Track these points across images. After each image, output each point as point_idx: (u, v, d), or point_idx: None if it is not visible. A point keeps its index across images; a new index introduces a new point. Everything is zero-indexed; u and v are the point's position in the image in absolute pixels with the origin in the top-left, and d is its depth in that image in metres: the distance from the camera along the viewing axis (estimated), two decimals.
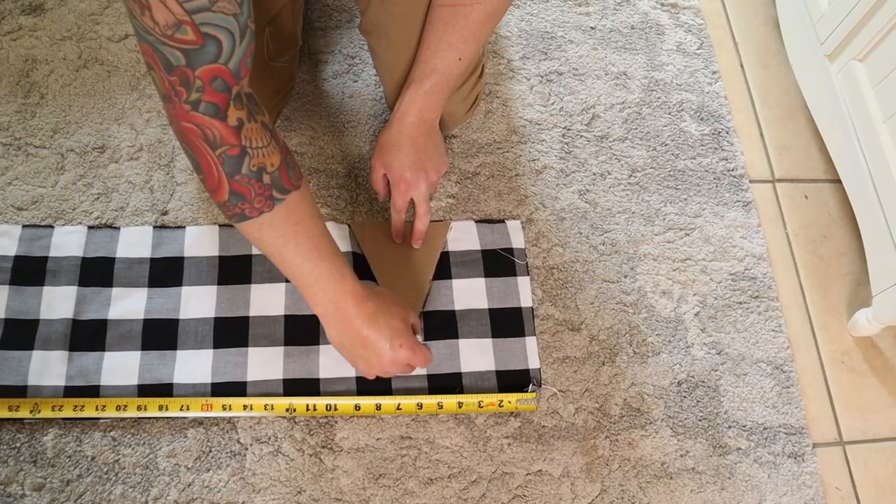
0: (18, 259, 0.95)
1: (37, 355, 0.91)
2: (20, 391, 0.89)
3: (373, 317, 0.79)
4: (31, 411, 0.88)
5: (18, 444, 0.87)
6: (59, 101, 1.04)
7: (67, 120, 1.03)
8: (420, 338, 0.92)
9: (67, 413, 0.88)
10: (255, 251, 0.97)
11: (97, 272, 0.95)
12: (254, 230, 0.74)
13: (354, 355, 0.82)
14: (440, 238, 0.98)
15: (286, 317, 0.94)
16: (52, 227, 0.97)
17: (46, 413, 0.88)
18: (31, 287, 0.94)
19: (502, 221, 1.00)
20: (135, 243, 0.96)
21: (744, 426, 0.93)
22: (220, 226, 0.98)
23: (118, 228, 0.97)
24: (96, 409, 0.88)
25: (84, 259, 0.95)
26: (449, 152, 1.04)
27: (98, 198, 0.99)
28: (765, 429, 0.93)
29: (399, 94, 0.91)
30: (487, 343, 0.93)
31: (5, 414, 0.88)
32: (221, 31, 0.61)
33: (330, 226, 0.97)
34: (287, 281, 0.95)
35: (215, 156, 0.67)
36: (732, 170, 1.06)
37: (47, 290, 0.94)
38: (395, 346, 0.80)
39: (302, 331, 0.93)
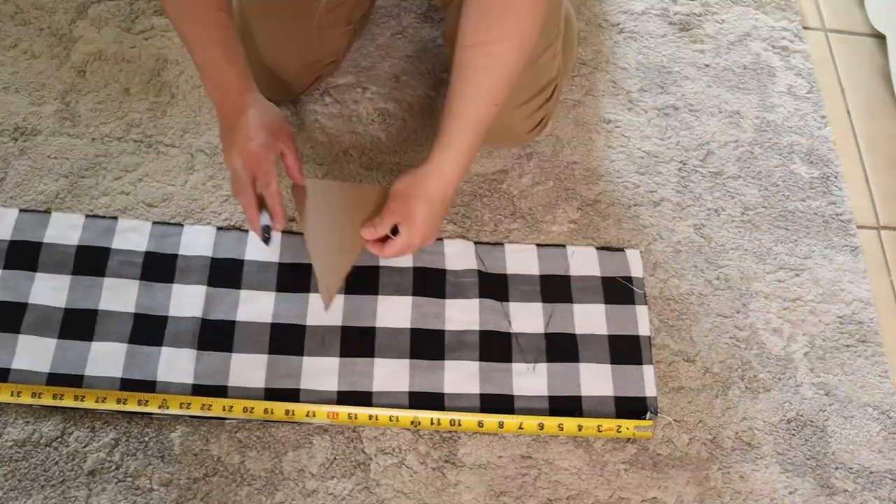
0: (149, 255, 0.96)
1: (166, 352, 0.92)
2: (149, 386, 0.90)
3: (240, 112, 0.85)
4: (160, 407, 0.89)
5: (147, 439, 0.88)
6: (189, 101, 1.06)
7: (197, 120, 1.05)
8: (296, 174, 0.91)
9: (195, 411, 0.89)
10: (382, 262, 0.98)
11: (226, 273, 0.96)
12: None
13: (225, 153, 0.87)
14: (378, 206, 0.91)
15: (412, 330, 0.95)
16: (181, 225, 0.99)
17: (174, 409, 0.89)
18: (160, 283, 0.95)
19: (622, 250, 1.02)
20: (263, 248, 0.97)
21: (850, 468, 0.94)
22: None
23: (247, 231, 0.98)
24: (223, 410, 0.89)
25: (213, 259, 0.96)
26: (571, 177, 1.06)
27: (227, 199, 1.00)
28: (871, 472, 0.94)
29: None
30: (606, 369, 0.95)
31: (134, 407, 0.89)
32: None
33: None
34: (413, 293, 0.96)
35: None
36: (840, 214, 1.08)
37: (176, 288, 0.95)
38: (241, 146, 0.85)
39: (428, 345, 0.94)
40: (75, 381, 0.90)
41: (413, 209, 0.86)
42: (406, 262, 0.98)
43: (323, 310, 0.93)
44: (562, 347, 0.95)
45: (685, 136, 1.10)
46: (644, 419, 0.93)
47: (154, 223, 0.98)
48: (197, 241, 0.97)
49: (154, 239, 0.97)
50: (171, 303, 0.94)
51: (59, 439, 0.88)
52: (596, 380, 0.94)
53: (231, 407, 0.89)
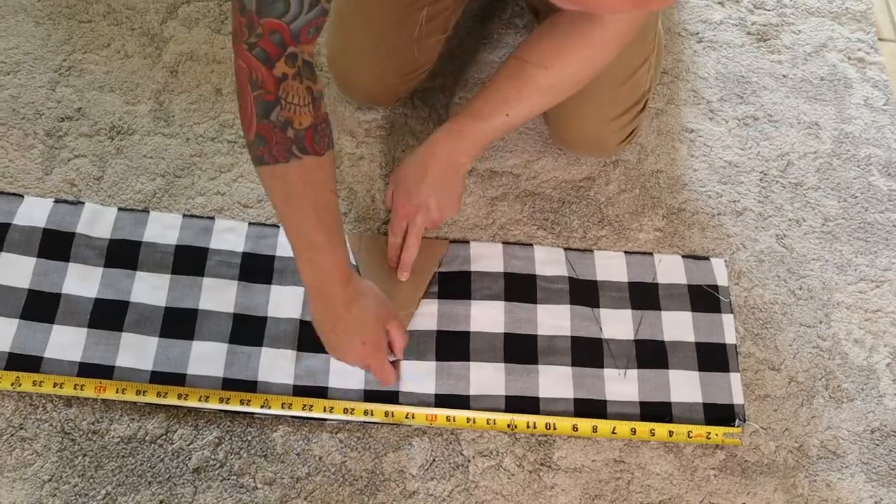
0: (246, 256, 0.98)
1: (266, 352, 0.93)
2: (250, 386, 0.92)
3: (350, 303, 0.84)
4: (262, 406, 0.90)
5: (249, 438, 0.90)
6: None
7: None
8: (400, 355, 0.92)
9: (296, 411, 0.90)
10: (473, 268, 0.99)
11: None
12: (266, 177, 0.78)
13: (322, 333, 0.87)
14: (434, 259, 0.99)
15: (505, 335, 0.96)
16: (277, 226, 1.00)
17: (276, 409, 0.90)
18: (259, 284, 0.97)
19: (707, 258, 1.03)
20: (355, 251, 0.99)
21: None
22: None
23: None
24: (324, 410, 0.91)
25: None
26: (656, 186, 1.07)
27: None
28: None
29: (555, 114, 0.97)
30: (695, 376, 0.97)
31: (237, 406, 0.90)
32: None
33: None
34: (505, 299, 0.98)
35: (252, 96, 0.72)
36: None
37: (275, 289, 0.97)
38: (357, 339, 0.85)
39: (522, 350, 0.96)
40: (177, 379, 0.92)
41: (403, 180, 0.93)
42: (497, 267, 1.00)
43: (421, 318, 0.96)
44: (651, 354, 0.97)
45: (765, 146, 1.12)
46: (733, 426, 0.94)
47: (250, 224, 1.00)
48: None
49: (251, 240, 0.99)
50: (269, 304, 0.96)
51: (164, 437, 0.90)
52: (685, 386, 0.96)
53: (332, 408, 0.91)
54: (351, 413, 0.91)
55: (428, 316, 0.96)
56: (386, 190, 0.96)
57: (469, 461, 0.91)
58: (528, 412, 0.93)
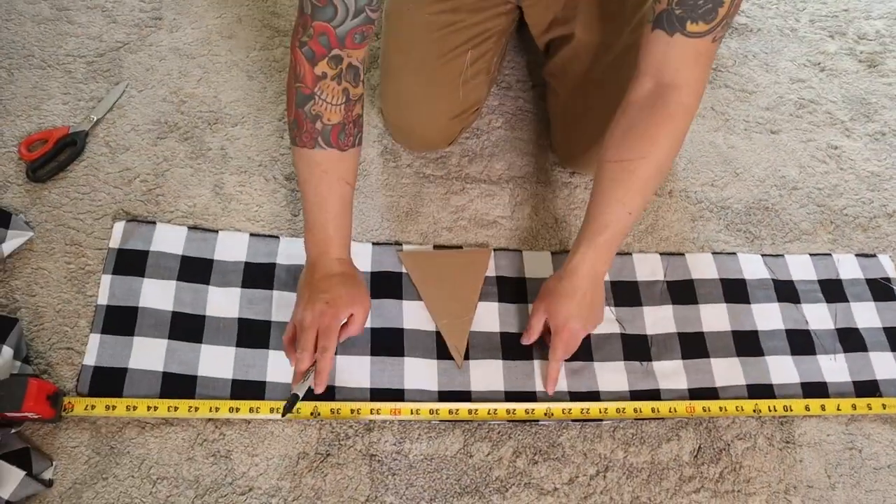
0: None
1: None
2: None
3: (330, 277, 0.92)
4: (545, 414, 1.00)
5: (539, 444, 0.99)
6: (492, 135, 1.17)
7: None
8: (353, 332, 0.96)
9: (574, 416, 1.00)
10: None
11: None
12: (295, 155, 0.90)
13: (298, 291, 0.95)
14: (482, 267, 1.09)
15: (733, 332, 1.10)
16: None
17: (558, 416, 1.00)
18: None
19: (875, 256, 1.20)
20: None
21: None
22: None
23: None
24: (600, 413, 1.01)
25: None
26: (820, 196, 1.23)
27: (552, 226, 1.12)
28: None
29: (565, 137, 1.08)
30: (890, 356, 1.12)
31: (523, 417, 0.99)
32: (340, 3, 0.79)
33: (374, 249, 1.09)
34: (726, 301, 1.11)
35: (294, 86, 0.85)
36: None
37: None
38: (321, 299, 0.90)
39: (747, 344, 1.09)
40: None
41: (557, 308, 0.96)
42: (712, 273, 1.13)
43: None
44: (852, 340, 1.12)
45: None
46: None
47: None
48: None
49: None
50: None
51: (463, 450, 0.97)
52: (886, 366, 1.11)
53: (605, 409, 1.01)
54: (622, 413, 1.01)
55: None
56: (532, 316, 1.00)
57: (729, 444, 1.02)
58: (763, 398, 1.06)
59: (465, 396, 1.00)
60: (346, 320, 0.94)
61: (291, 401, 0.90)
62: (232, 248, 1.06)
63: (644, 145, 0.88)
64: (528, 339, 1.01)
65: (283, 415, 0.90)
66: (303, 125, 0.86)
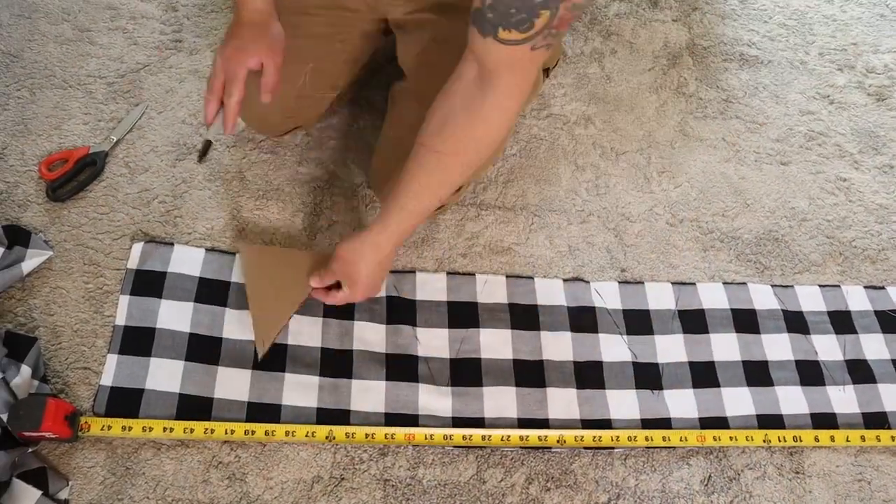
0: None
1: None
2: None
3: (240, 28, 0.94)
4: (558, 441, 1.00)
5: (551, 472, 1.00)
6: (506, 163, 1.19)
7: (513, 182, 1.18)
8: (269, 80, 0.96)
9: (587, 443, 1.01)
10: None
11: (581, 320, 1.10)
12: None
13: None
14: (304, 274, 1.04)
15: (743, 362, 1.11)
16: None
17: (571, 444, 1.00)
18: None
19: (883, 288, 1.21)
20: (609, 293, 1.12)
21: None
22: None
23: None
24: (611, 440, 1.01)
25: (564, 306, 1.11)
26: (829, 227, 1.25)
27: (565, 254, 1.14)
28: None
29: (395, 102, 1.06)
30: None
31: (536, 443, 1.00)
32: None
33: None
34: (737, 331, 1.12)
35: None
36: None
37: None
38: (216, 59, 0.94)
39: (757, 374, 1.10)
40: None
41: (353, 272, 0.97)
42: (723, 304, 1.14)
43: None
44: (861, 371, 1.13)
45: None
46: None
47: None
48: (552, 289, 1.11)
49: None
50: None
51: (476, 476, 0.98)
52: (895, 396, 1.12)
53: (617, 437, 1.02)
54: (634, 441, 1.02)
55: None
56: (332, 265, 0.99)
57: (739, 474, 1.03)
58: (773, 427, 1.07)
59: (478, 423, 1.01)
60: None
61: (205, 146, 0.90)
62: None
63: (458, 143, 0.88)
64: (319, 284, 1.00)
65: (199, 160, 0.89)
66: None
